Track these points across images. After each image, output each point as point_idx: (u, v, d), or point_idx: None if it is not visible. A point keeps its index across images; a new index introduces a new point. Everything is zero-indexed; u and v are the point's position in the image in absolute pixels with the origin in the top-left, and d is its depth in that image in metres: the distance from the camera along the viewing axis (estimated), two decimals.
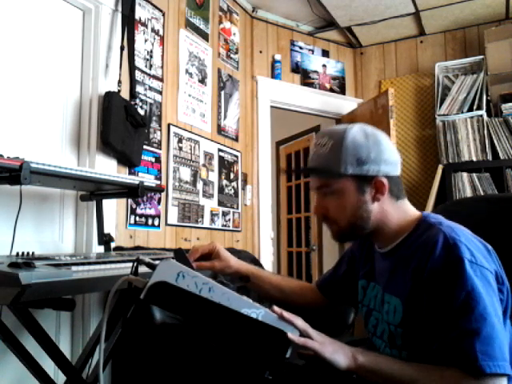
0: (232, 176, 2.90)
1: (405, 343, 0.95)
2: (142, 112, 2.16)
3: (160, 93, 2.33)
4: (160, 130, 2.31)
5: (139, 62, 2.20)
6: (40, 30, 1.83)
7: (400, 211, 1.03)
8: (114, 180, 1.57)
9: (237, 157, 2.96)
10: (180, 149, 2.45)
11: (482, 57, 3.10)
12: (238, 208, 2.93)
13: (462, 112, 3.03)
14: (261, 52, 3.31)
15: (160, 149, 2.30)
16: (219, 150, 2.79)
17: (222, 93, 2.86)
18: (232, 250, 2.38)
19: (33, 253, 1.23)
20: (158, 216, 2.26)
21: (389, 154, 1.00)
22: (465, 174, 2.92)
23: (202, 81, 2.67)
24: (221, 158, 2.79)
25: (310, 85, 3.51)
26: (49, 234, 1.83)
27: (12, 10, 1.72)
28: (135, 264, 0.98)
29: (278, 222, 4.87)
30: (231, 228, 2.85)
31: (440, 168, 3.00)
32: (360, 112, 3.49)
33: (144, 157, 2.17)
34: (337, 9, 3.13)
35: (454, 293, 0.85)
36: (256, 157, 3.17)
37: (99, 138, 1.94)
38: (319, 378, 0.95)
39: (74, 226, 1.93)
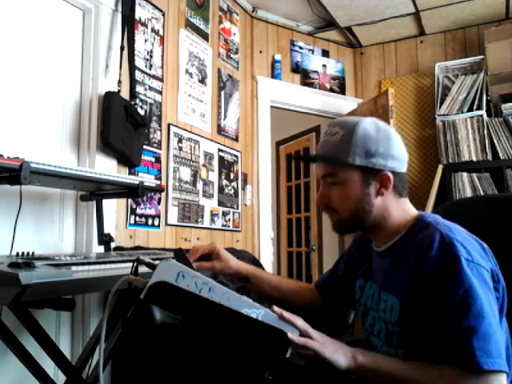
0: (232, 176, 2.90)
1: (401, 341, 0.95)
2: (142, 112, 2.16)
3: (160, 93, 2.33)
4: (160, 130, 2.31)
5: (139, 62, 2.20)
6: (40, 30, 1.83)
7: (401, 209, 1.03)
8: (114, 180, 1.57)
9: (237, 157, 2.96)
10: (180, 149, 2.45)
11: (481, 57, 3.10)
12: (238, 208, 2.93)
13: (462, 112, 3.03)
14: (261, 52, 3.31)
15: (160, 149, 2.30)
16: (219, 150, 2.79)
17: (222, 93, 2.86)
18: (232, 250, 2.38)
19: (33, 253, 1.23)
20: (158, 216, 2.26)
21: (397, 151, 1.01)
22: (465, 174, 2.92)
23: (202, 81, 2.67)
24: (221, 158, 2.80)
25: (310, 85, 3.51)
26: (49, 234, 1.83)
27: (12, 10, 1.72)
28: (135, 264, 0.98)
29: (278, 222, 4.87)
30: (231, 228, 2.85)
31: (440, 168, 3.00)
32: (360, 112, 3.48)
33: (144, 157, 2.17)
34: (337, 9, 3.13)
35: (451, 291, 0.85)
36: (256, 157, 3.17)
37: (99, 138, 1.94)
38: (319, 378, 0.95)
39: (74, 226, 1.93)
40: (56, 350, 1.38)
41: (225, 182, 2.82)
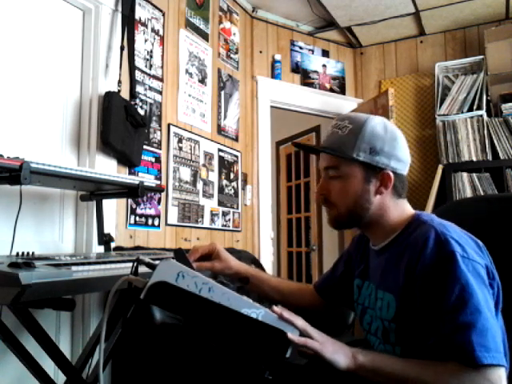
0: (232, 176, 2.90)
1: (398, 339, 0.96)
2: (142, 112, 2.16)
3: (160, 93, 2.33)
4: (160, 130, 2.31)
5: (139, 62, 2.20)
6: (40, 30, 1.83)
7: (398, 209, 1.04)
8: (114, 180, 1.57)
9: (237, 157, 2.96)
10: (180, 149, 2.45)
11: (481, 57, 3.10)
12: (238, 208, 2.93)
13: (462, 112, 3.03)
14: (261, 52, 3.31)
15: (160, 149, 2.30)
16: (219, 150, 2.79)
17: (222, 93, 2.86)
18: (232, 250, 2.38)
19: (33, 253, 1.23)
20: (158, 216, 2.26)
21: (402, 153, 1.03)
22: (465, 174, 2.92)
23: (202, 81, 2.67)
24: (221, 158, 2.80)
25: (310, 85, 3.51)
26: (49, 234, 1.83)
27: (12, 10, 1.72)
28: (135, 264, 0.98)
29: (278, 222, 4.87)
30: (231, 228, 2.85)
31: (440, 168, 3.00)
32: (360, 112, 3.48)
33: (144, 157, 2.17)
34: (337, 9, 3.13)
35: (447, 288, 0.86)
36: (256, 157, 3.17)
37: (99, 138, 1.94)
38: (319, 379, 0.95)
39: (74, 226, 1.93)
40: (56, 350, 1.38)
41: (225, 181, 2.82)
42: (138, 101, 2.15)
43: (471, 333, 0.81)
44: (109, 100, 1.91)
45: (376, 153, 0.99)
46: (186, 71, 2.54)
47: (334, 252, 4.09)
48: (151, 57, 2.28)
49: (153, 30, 2.30)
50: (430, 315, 0.88)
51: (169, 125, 2.38)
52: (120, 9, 2.07)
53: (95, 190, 1.76)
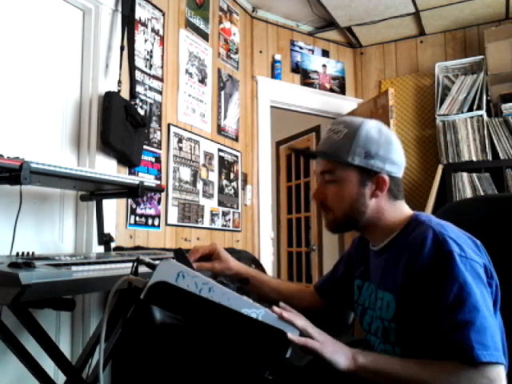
0: (232, 176, 2.90)
1: (398, 338, 0.96)
2: (142, 112, 2.16)
3: (160, 93, 2.33)
4: (160, 130, 2.31)
5: (139, 62, 2.20)
6: (40, 30, 1.83)
7: (395, 211, 1.05)
8: (114, 180, 1.57)
9: (237, 157, 2.96)
10: (180, 149, 2.45)
11: (481, 57, 3.10)
12: (238, 208, 2.93)
13: (462, 112, 3.03)
14: (261, 52, 3.31)
15: (160, 149, 2.30)
16: (219, 150, 2.79)
17: (222, 93, 2.86)
18: (232, 250, 2.38)
19: (33, 253, 1.23)
20: (158, 216, 2.26)
21: (396, 156, 1.04)
22: (465, 174, 2.92)
23: (202, 81, 2.67)
24: (221, 158, 2.80)
25: (310, 85, 3.51)
26: (49, 234, 1.83)
27: (12, 10, 1.72)
28: (135, 264, 0.98)
29: (278, 222, 4.87)
30: (231, 228, 2.85)
31: (440, 168, 3.00)
32: (360, 112, 3.48)
33: (144, 157, 2.17)
34: (337, 9, 3.13)
35: (446, 286, 0.86)
36: (256, 157, 3.17)
37: (99, 137, 1.94)
38: (319, 379, 0.95)
39: (74, 226, 1.93)
40: (56, 350, 1.38)
41: (225, 181, 2.82)
42: (137, 101, 2.15)
43: (469, 331, 0.82)
44: (109, 100, 1.91)
45: (371, 157, 1.00)
46: (186, 71, 2.54)
47: (333, 252, 4.09)
48: (151, 57, 2.28)
49: (153, 30, 2.30)
50: (429, 314, 0.88)
51: (169, 125, 2.38)
52: (120, 9, 2.07)
53: (95, 190, 1.76)
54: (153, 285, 0.88)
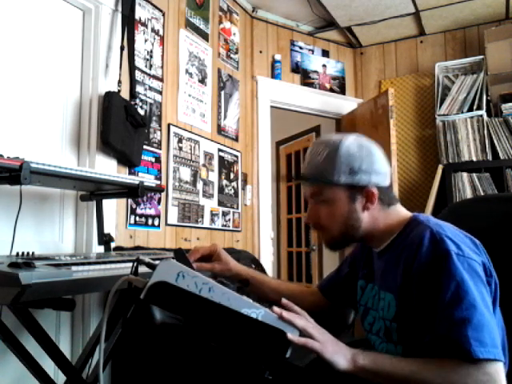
0: (232, 176, 2.90)
1: (400, 338, 0.97)
2: (142, 112, 2.16)
3: (160, 93, 2.33)
4: (160, 130, 2.31)
5: (139, 62, 2.20)
6: (40, 30, 1.83)
7: (391, 216, 1.06)
8: (114, 180, 1.57)
9: (237, 157, 2.96)
10: (180, 149, 2.45)
11: (481, 57, 3.10)
12: (238, 208, 2.93)
13: (462, 112, 3.03)
14: (261, 52, 3.31)
15: (160, 149, 2.30)
16: (219, 150, 2.79)
17: (222, 93, 2.86)
18: (232, 250, 2.39)
19: (33, 253, 1.23)
20: (158, 216, 2.26)
21: (379, 165, 1.04)
22: (465, 174, 2.92)
23: (202, 81, 2.67)
24: (221, 158, 2.80)
25: (310, 85, 3.51)
26: (49, 234, 1.83)
27: (12, 10, 1.72)
28: (135, 264, 0.98)
29: (278, 222, 4.87)
30: (231, 228, 2.85)
31: (440, 168, 3.00)
32: (360, 112, 3.49)
33: (144, 157, 2.17)
34: (337, 9, 3.13)
35: (443, 285, 0.87)
36: (256, 157, 3.17)
37: (99, 137, 1.94)
38: (319, 379, 0.95)
39: (74, 226, 1.93)
40: (56, 350, 1.38)
41: (225, 181, 2.82)
42: (138, 101, 2.15)
43: (467, 328, 0.82)
44: (109, 100, 1.91)
45: (355, 172, 1.01)
46: (186, 71, 2.54)
47: (333, 252, 4.08)
48: (151, 57, 2.28)
49: (153, 30, 2.30)
50: (427, 312, 0.89)
51: (169, 125, 2.38)
52: (120, 9, 2.07)
53: (95, 190, 1.76)
54: (153, 285, 0.88)
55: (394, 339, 0.98)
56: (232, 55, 2.99)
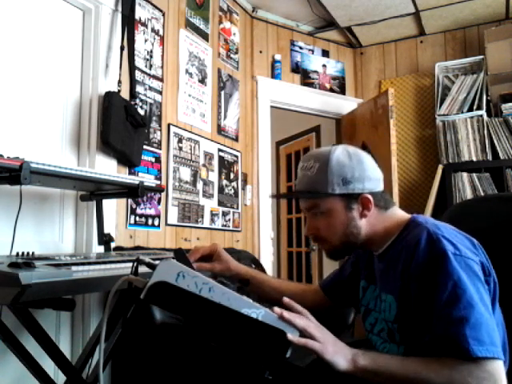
0: (232, 176, 2.90)
1: (402, 338, 0.97)
2: (142, 112, 2.16)
3: (160, 93, 2.33)
4: (160, 130, 2.31)
5: (139, 62, 2.20)
6: (40, 30, 1.83)
7: (389, 219, 1.07)
8: (114, 180, 1.57)
9: (237, 157, 2.96)
10: (180, 149, 2.45)
11: (481, 57, 3.10)
12: (238, 208, 2.93)
13: (462, 112, 3.03)
14: (261, 52, 3.31)
15: (160, 149, 2.30)
16: (219, 150, 2.79)
17: (222, 93, 2.86)
18: (232, 250, 2.38)
19: (33, 253, 1.23)
20: (158, 216, 2.26)
21: (371, 172, 1.05)
22: (465, 174, 2.92)
23: (202, 81, 2.67)
24: (221, 158, 2.79)
25: (310, 85, 3.51)
26: (49, 234, 1.83)
27: (12, 10, 1.72)
28: (135, 264, 0.98)
29: (278, 222, 4.87)
30: (231, 228, 2.85)
31: (440, 168, 3.00)
32: (360, 112, 3.49)
33: (144, 157, 2.17)
34: (337, 9, 3.13)
35: (440, 285, 0.87)
36: (256, 157, 3.17)
37: (99, 138, 1.94)
38: (319, 379, 0.95)
39: (74, 226, 1.93)
40: (56, 350, 1.38)
41: (225, 181, 2.82)
42: (138, 101, 2.15)
43: (465, 327, 0.83)
44: (109, 100, 1.91)
45: (348, 182, 1.02)
46: (186, 71, 2.54)
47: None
48: (151, 57, 2.28)
49: (153, 30, 2.30)
50: (425, 312, 0.89)
51: (169, 125, 2.38)
52: (120, 9, 2.07)
53: (95, 190, 1.76)
54: (153, 285, 0.88)
55: (396, 340, 0.98)
56: (232, 55, 2.99)
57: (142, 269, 0.99)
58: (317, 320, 0.93)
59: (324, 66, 3.60)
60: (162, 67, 2.36)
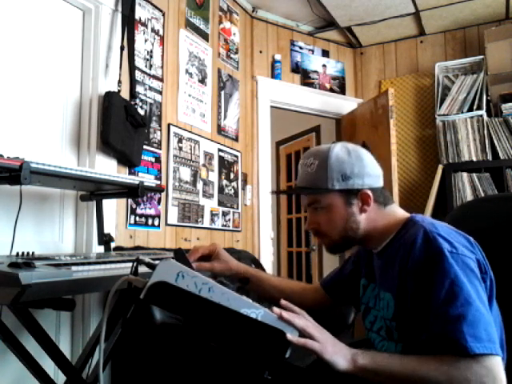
0: (232, 176, 2.90)
1: (400, 336, 0.98)
2: (142, 112, 2.16)
3: (160, 93, 2.33)
4: (160, 130, 2.31)
5: (139, 62, 2.20)
6: (40, 30, 1.83)
7: (387, 216, 1.08)
8: (114, 180, 1.57)
9: (237, 157, 2.96)
10: (180, 149, 2.45)
11: (481, 57, 3.10)
12: (238, 208, 2.93)
13: (462, 112, 3.03)
14: (261, 52, 3.31)
15: (160, 149, 2.30)
16: (219, 150, 2.79)
17: (222, 93, 2.86)
18: (232, 250, 2.38)
19: (33, 253, 1.23)
20: (158, 216, 2.26)
21: (370, 168, 1.07)
22: (465, 174, 2.92)
23: (202, 81, 2.67)
24: (221, 158, 2.80)
25: (310, 85, 3.51)
26: (49, 234, 1.83)
27: (12, 10, 1.73)
28: (135, 264, 0.98)
29: (278, 222, 4.87)
30: (231, 228, 2.85)
31: (440, 168, 3.01)
32: (360, 112, 3.49)
33: (144, 157, 2.17)
34: (337, 9, 3.13)
35: (437, 283, 0.88)
36: (256, 157, 3.17)
37: (99, 138, 1.94)
38: (319, 379, 0.95)
39: (74, 226, 1.93)
40: (56, 350, 1.38)
41: (225, 181, 2.82)
42: (138, 101, 2.15)
43: (462, 324, 0.83)
44: (109, 100, 1.91)
45: (348, 177, 1.04)
46: (186, 71, 2.54)
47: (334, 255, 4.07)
48: (151, 57, 2.28)
49: (153, 30, 2.30)
50: (422, 311, 0.90)
51: (169, 125, 2.38)
52: (120, 9, 2.07)
53: (95, 190, 1.76)
54: (153, 285, 0.88)
55: (394, 338, 0.99)
56: (232, 55, 2.99)
57: (142, 269, 0.99)
58: (317, 320, 0.94)
59: (324, 65, 3.60)
60: (162, 67, 2.36)
